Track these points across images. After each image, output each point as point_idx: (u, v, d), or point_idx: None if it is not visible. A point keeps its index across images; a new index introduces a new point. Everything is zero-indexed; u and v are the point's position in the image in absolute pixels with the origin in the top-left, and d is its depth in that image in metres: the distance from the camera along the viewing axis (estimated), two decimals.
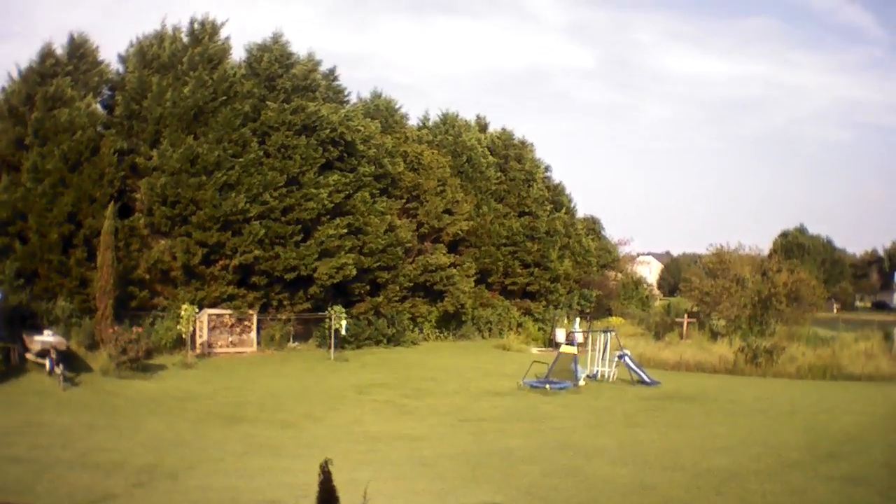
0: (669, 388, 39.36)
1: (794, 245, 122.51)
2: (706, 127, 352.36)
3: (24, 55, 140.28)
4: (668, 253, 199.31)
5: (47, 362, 32.31)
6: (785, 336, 56.03)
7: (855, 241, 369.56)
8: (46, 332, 34.52)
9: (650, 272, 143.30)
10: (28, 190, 40.17)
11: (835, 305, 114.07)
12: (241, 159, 44.81)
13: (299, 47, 50.90)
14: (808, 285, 63.57)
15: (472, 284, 61.42)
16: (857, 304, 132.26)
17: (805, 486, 20.73)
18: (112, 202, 39.97)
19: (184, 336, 40.39)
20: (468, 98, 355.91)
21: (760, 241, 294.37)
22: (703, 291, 64.01)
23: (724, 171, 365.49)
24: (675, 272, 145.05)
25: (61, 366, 31.57)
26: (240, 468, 21.56)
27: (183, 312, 39.58)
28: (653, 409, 33.91)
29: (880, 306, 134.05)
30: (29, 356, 33.37)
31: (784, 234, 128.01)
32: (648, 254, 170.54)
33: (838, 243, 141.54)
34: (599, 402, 35.57)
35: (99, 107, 46.14)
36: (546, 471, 22.72)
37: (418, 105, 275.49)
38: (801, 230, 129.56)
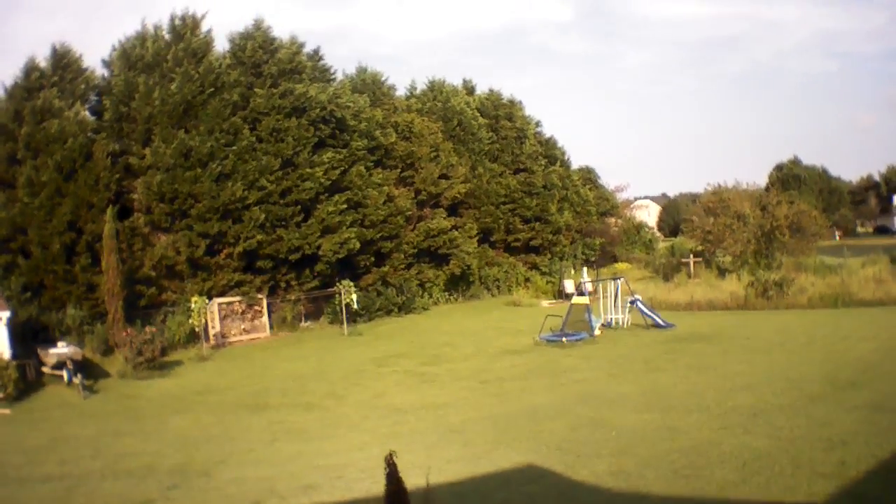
0: (684, 330, 39.52)
1: (790, 177, 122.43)
2: (690, 69, 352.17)
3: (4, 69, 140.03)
4: (664, 195, 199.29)
5: (65, 374, 32.31)
6: (792, 267, 56.26)
7: (850, 169, 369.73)
8: (60, 343, 34.51)
9: (649, 215, 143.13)
10: (25, 204, 39.99)
11: (837, 233, 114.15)
12: (234, 147, 44.62)
13: (280, 31, 50.20)
14: (808, 216, 63.49)
15: (476, 245, 61.47)
16: (859, 229, 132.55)
17: (831, 418, 20.83)
18: (110, 206, 39.81)
19: (196, 329, 40.35)
20: (450, 61, 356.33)
21: (756, 176, 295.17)
22: (705, 230, 64.20)
23: (712, 111, 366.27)
24: (675, 213, 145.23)
25: (79, 375, 31.52)
26: (271, 456, 21.66)
27: (193, 305, 39.47)
28: (671, 352, 34.03)
29: (882, 230, 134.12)
30: (45, 370, 33.36)
31: (779, 167, 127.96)
32: (645, 197, 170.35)
33: (833, 172, 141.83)
34: (617, 349, 35.70)
35: (87, 113, 45.86)
36: (573, 425, 22.83)
37: (402, 74, 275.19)
38: (796, 161, 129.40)
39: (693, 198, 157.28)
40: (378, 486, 18.57)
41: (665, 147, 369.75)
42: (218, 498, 18.27)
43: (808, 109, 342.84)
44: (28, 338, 35.87)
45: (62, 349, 33.45)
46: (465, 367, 33.95)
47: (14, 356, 31.77)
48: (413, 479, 18.83)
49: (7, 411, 28.05)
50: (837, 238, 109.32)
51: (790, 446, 18.65)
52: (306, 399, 29.37)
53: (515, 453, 20.48)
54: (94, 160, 41.46)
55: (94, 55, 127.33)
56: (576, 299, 41.37)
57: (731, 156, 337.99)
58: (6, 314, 32.13)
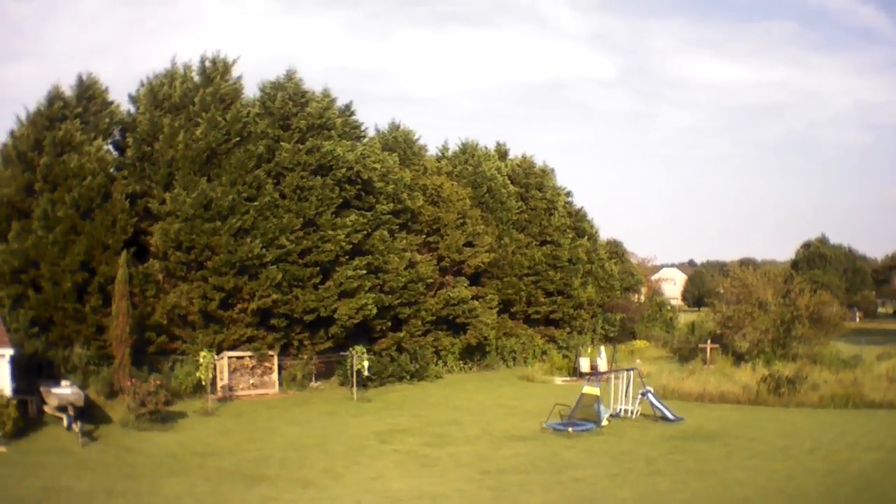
0: (692, 425, 39.10)
1: (816, 256, 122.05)
2: (726, 134, 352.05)
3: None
4: (691, 262, 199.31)
5: (65, 418, 32.20)
6: (807, 358, 55.99)
7: (876, 246, 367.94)
8: (64, 382, 34.44)
9: (675, 285, 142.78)
10: (39, 238, 40.05)
11: (857, 314, 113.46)
12: (255, 203, 44.72)
13: (317, 68, 50.02)
14: (829, 306, 63.06)
15: (495, 316, 61.12)
16: (880, 309, 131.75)
17: None
18: (125, 250, 39.83)
19: (203, 383, 40.10)
20: (489, 111, 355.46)
21: (782, 247, 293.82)
22: (725, 316, 63.72)
23: (744, 178, 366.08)
24: (700, 284, 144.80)
25: (79, 423, 31.43)
26: None
27: (201, 360, 39.36)
28: (675, 451, 33.66)
29: None
30: (47, 409, 33.26)
31: (806, 245, 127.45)
32: (672, 265, 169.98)
33: (860, 248, 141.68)
34: (622, 444, 35.28)
35: (111, 148, 46.19)
36: None
37: (438, 120, 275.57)
38: (823, 240, 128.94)
39: (720, 266, 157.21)
40: None
41: (695, 213, 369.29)
42: None
43: (840, 181, 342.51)
44: (33, 373, 35.83)
45: (65, 390, 33.35)
46: (468, 453, 33.57)
47: (16, 392, 31.73)
48: None
49: (4, 449, 28.07)
50: (857, 320, 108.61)
51: None
52: (304, 474, 29.09)
53: None
54: (113, 200, 41.55)
55: (121, 89, 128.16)
56: (586, 389, 40.83)
57: (761, 224, 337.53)
58: (9, 351, 32.04)
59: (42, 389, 34.30)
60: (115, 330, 38.35)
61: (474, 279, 61.00)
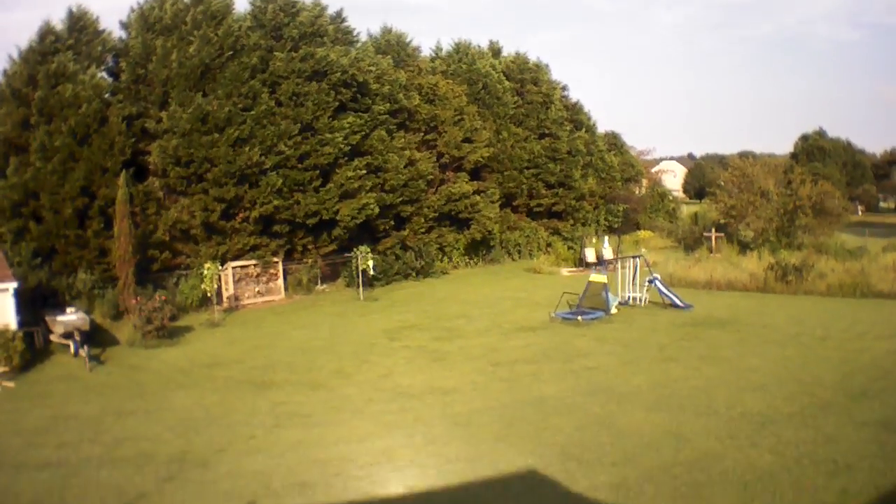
0: (702, 312, 38.98)
1: (815, 148, 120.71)
2: (718, 31, 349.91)
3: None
4: (690, 155, 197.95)
5: (71, 344, 31.93)
6: (812, 248, 55.82)
7: (874, 142, 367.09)
8: (69, 309, 33.99)
9: (675, 177, 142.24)
10: (38, 169, 39.41)
11: (859, 208, 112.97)
12: (252, 112, 44.00)
13: None
14: (831, 197, 62.64)
15: (498, 210, 60.71)
16: (882, 204, 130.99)
17: (839, 434, 20.46)
18: (124, 170, 39.27)
19: (208, 295, 40.01)
20: (480, 16, 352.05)
21: (781, 142, 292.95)
22: (728, 205, 63.59)
23: (738, 74, 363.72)
24: (700, 176, 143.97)
25: (86, 347, 31.13)
26: (271, 445, 21.39)
27: (206, 272, 39.15)
28: (686, 338, 33.59)
29: None
30: (53, 338, 33.02)
31: (804, 138, 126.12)
32: (671, 159, 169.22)
33: (857, 144, 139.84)
34: (632, 332, 35.21)
35: (105, 75, 45.05)
36: (580, 423, 22.48)
37: (430, 27, 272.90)
38: (821, 133, 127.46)
39: (719, 159, 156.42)
40: (375, 488, 18.44)
41: (692, 108, 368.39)
42: (212, 493, 18.06)
43: (834, 77, 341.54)
44: (37, 304, 35.51)
45: (70, 317, 32.92)
46: (478, 345, 33.47)
47: (21, 324, 31.33)
48: (411, 481, 18.71)
49: (11, 384, 27.75)
50: (860, 213, 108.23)
51: (794, 466, 18.32)
52: (313, 377, 29.00)
53: (518, 454, 20.20)
54: (109, 125, 40.92)
55: (112, 17, 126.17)
56: (593, 277, 40.71)
57: (758, 119, 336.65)
58: (13, 285, 31.58)
59: (47, 318, 33.88)
60: (118, 251, 37.95)
61: (475, 174, 60.46)
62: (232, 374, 29.60)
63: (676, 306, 40.26)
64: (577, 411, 23.73)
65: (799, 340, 32.30)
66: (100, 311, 37.18)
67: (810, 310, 39.57)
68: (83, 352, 30.95)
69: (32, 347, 31.54)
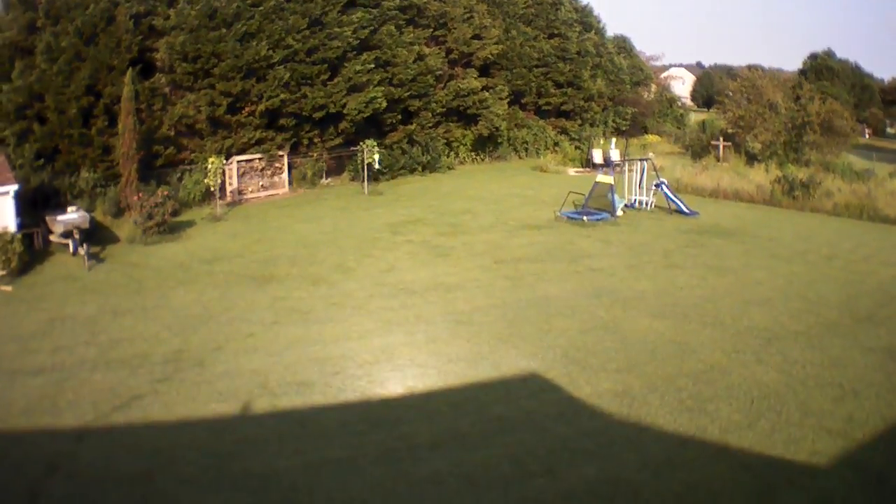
0: (708, 220, 38.61)
1: (823, 67, 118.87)
2: None
3: None
4: (699, 64, 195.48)
5: (70, 243, 31.33)
6: (820, 166, 54.95)
7: (882, 69, 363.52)
8: (70, 208, 33.33)
9: (683, 84, 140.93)
10: (43, 71, 38.30)
11: (866, 131, 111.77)
12: (260, 8, 42.86)
13: None
14: (840, 116, 61.67)
15: (506, 107, 59.80)
16: (889, 130, 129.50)
17: (845, 358, 20.11)
18: (130, 68, 38.38)
19: (212, 189, 39.17)
20: None
21: (787, 58, 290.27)
22: (737, 115, 62.95)
23: None
24: (709, 84, 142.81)
25: (85, 245, 30.40)
26: (269, 343, 21.10)
27: (210, 165, 38.31)
28: (692, 245, 33.21)
29: None
30: (53, 238, 32.43)
31: (813, 56, 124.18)
32: (680, 65, 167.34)
33: (866, 69, 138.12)
34: (638, 236, 34.88)
35: None
36: (583, 327, 22.20)
37: None
38: (830, 54, 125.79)
39: (727, 70, 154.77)
40: (374, 388, 18.17)
41: (702, 17, 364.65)
42: (207, 394, 17.78)
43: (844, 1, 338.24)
44: (39, 204, 34.81)
45: (71, 216, 32.28)
46: (482, 241, 33.15)
47: (20, 226, 30.59)
48: (411, 381, 18.43)
49: (8, 288, 27.13)
50: (867, 136, 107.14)
51: (800, 388, 18.06)
52: (314, 271, 28.61)
53: (520, 356, 19.96)
54: (117, 23, 39.78)
55: None
56: (600, 177, 40.17)
57: (767, 34, 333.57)
58: (13, 188, 30.82)
59: (47, 219, 33.14)
60: (122, 147, 37.14)
61: (484, 71, 59.40)
62: (232, 268, 29.11)
63: (682, 212, 39.81)
64: (581, 314, 23.47)
65: (805, 258, 31.76)
66: (101, 209, 36.54)
67: (817, 227, 38.93)
68: (82, 250, 30.25)
69: (32, 249, 30.90)
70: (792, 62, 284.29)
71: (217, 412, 16.97)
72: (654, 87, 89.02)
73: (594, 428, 16.20)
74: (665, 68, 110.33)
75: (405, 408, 17.26)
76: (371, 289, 26.24)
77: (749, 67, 67.72)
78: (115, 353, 20.43)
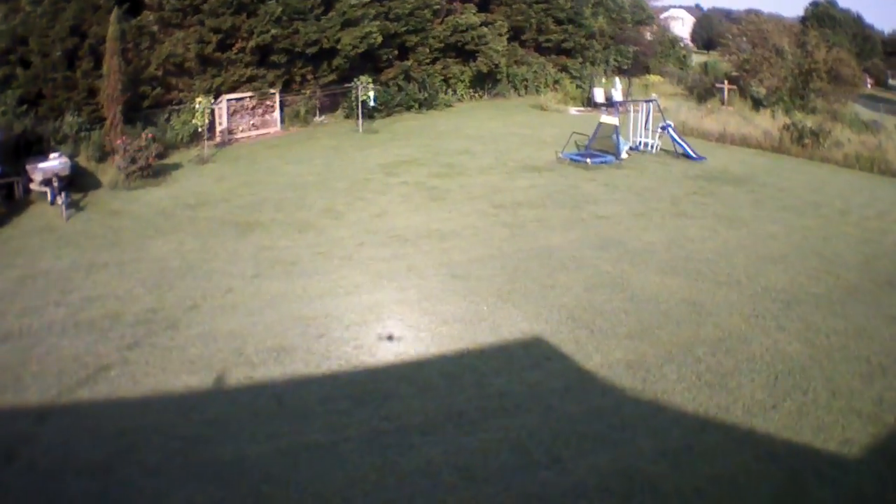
0: (716, 166, 37.09)
1: (825, 15, 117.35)
2: None
3: None
4: (697, 6, 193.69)
5: (48, 192, 29.76)
6: (826, 114, 53.31)
7: (883, 20, 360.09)
8: (52, 155, 31.53)
9: (683, 26, 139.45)
10: (28, 13, 36.59)
11: (868, 81, 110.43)
12: None
13: None
14: (847, 65, 60.12)
15: (505, 43, 58.16)
16: (891, 81, 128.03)
17: (869, 328, 18.50)
18: (116, 6, 36.55)
19: (200, 129, 37.42)
20: None
21: (787, 5, 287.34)
22: (742, 59, 61.95)
23: None
24: (708, 27, 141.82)
25: (63, 194, 28.65)
26: (249, 299, 19.59)
27: (197, 105, 36.58)
28: (700, 192, 31.71)
29: None
30: (33, 186, 30.75)
31: (815, 4, 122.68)
32: (679, 6, 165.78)
33: (867, 20, 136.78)
34: (644, 180, 33.35)
35: None
36: (590, 282, 20.73)
37: None
38: (832, 2, 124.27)
39: (726, 14, 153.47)
40: (360, 354, 16.62)
41: None
42: (178, 362, 16.22)
43: None
44: (21, 152, 33.09)
45: (52, 163, 30.52)
46: (480, 184, 31.65)
47: (1, 176, 29.25)
48: (402, 346, 16.90)
49: None
50: (870, 86, 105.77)
51: (826, 361, 16.58)
52: (302, 216, 27.09)
53: (522, 317, 18.49)
54: None
55: None
56: (604, 118, 38.60)
57: None
58: None
59: (28, 167, 31.35)
60: (107, 90, 35.33)
61: (482, 6, 57.80)
62: (216, 214, 27.53)
63: (689, 157, 38.32)
64: (587, 267, 21.98)
65: (818, 211, 30.19)
66: (85, 153, 34.83)
67: (827, 178, 37.37)
68: (59, 199, 28.54)
69: (10, 200, 29.23)
70: (791, 9, 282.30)
71: (187, 385, 15.38)
72: (654, 27, 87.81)
73: (605, 406, 14.68)
74: (665, 9, 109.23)
75: (394, 379, 15.68)
76: (361, 236, 24.71)
77: (747, 12, 66.69)
78: (85, 314, 18.82)
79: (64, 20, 36.03)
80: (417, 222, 26.21)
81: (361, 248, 23.60)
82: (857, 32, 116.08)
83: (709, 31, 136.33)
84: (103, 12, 36.26)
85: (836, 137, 44.04)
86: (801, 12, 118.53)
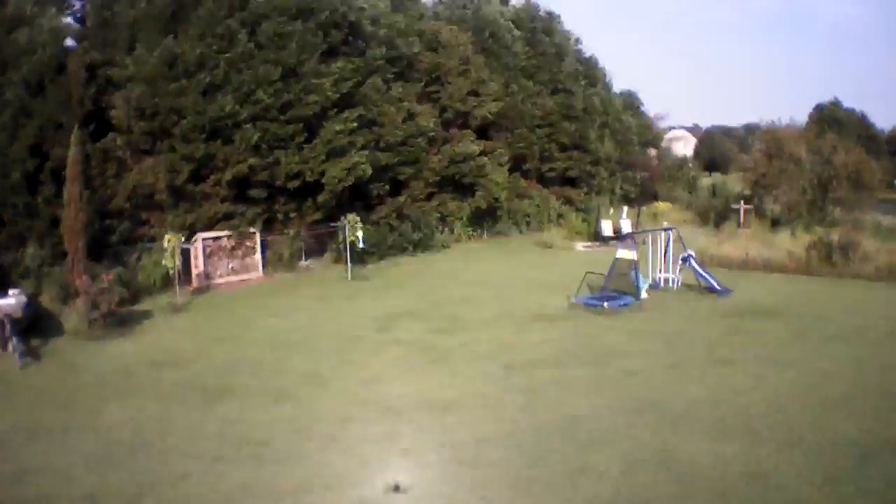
0: (744, 298, 34.03)
1: (830, 119, 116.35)
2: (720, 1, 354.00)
3: None
4: (696, 126, 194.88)
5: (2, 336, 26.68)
6: (850, 225, 50.34)
7: (882, 118, 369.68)
8: (11, 291, 28.46)
9: (684, 147, 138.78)
10: None
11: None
12: (227, 54, 38.82)
13: None
14: (869, 167, 57.56)
15: (506, 174, 55.89)
16: (895, 182, 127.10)
17: None
18: (76, 127, 33.98)
19: (170, 272, 34.48)
20: None
21: (785, 114, 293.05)
22: (758, 173, 59.40)
23: (743, 45, 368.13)
24: (711, 146, 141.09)
25: (14, 340, 26.02)
26: (204, 492, 16.03)
27: (166, 244, 33.77)
28: (735, 331, 28.53)
29: None
30: None
31: (819, 108, 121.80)
32: (679, 128, 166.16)
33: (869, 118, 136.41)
34: (670, 323, 30.09)
35: (70, 20, 40.10)
36: (628, 462, 17.03)
37: None
38: (836, 104, 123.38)
39: (726, 131, 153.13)
40: None
41: (696, 78, 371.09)
42: None
43: (841, 52, 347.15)
44: None
45: (9, 300, 27.39)
46: (486, 340, 28.10)
47: None
48: None
49: None
50: None
51: None
52: (280, 383, 23.54)
53: None
54: (68, 73, 35.87)
55: None
56: (620, 252, 35.40)
57: (763, 90, 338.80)
58: None
59: None
60: (67, 220, 32.67)
61: (482, 133, 55.67)
62: (183, 376, 24.21)
63: (714, 290, 35.08)
64: (622, 440, 18.26)
65: (863, 336, 27.34)
66: (48, 292, 31.76)
67: (863, 297, 34.57)
68: (10, 346, 25.91)
69: None
70: (794, 116, 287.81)
71: None
72: (660, 150, 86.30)
73: None
74: (667, 130, 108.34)
75: None
76: (347, 409, 21.12)
77: (744, 128, 64.84)
78: (15, 492, 15.97)
79: (24, 138, 34.10)
80: (415, 390, 22.74)
81: (347, 424, 20.01)
82: (862, 133, 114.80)
83: (712, 151, 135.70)
84: (67, 132, 34.08)
85: (865, 250, 41.46)
86: (801, 118, 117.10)
